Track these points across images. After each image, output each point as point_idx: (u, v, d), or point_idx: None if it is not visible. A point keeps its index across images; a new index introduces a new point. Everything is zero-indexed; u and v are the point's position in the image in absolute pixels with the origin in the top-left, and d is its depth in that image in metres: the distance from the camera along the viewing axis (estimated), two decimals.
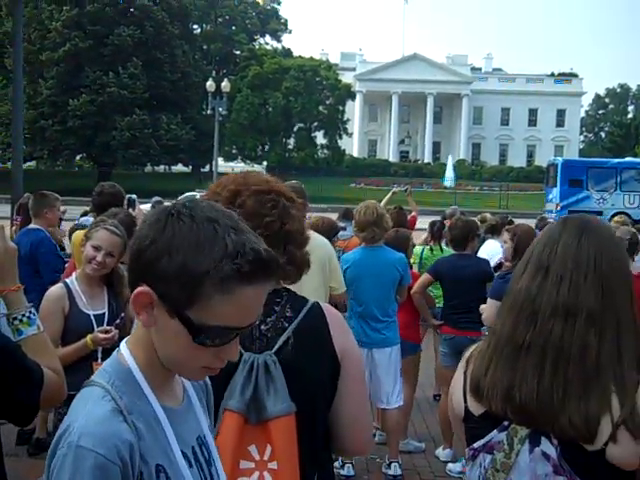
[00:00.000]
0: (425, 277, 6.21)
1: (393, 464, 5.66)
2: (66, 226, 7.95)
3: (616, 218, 11.92)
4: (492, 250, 7.81)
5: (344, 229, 8.10)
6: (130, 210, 4.90)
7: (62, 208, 9.23)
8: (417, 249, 8.17)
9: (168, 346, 1.33)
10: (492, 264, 6.81)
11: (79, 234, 4.98)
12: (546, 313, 1.74)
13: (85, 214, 7.43)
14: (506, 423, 1.77)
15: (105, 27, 48.36)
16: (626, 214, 23.60)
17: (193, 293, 1.24)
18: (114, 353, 1.43)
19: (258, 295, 1.30)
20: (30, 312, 2.16)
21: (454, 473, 5.69)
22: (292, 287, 2.10)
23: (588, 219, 1.87)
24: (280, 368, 1.89)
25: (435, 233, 8.18)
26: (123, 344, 1.43)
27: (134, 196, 5.17)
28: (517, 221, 7.91)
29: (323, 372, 1.96)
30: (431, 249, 8.08)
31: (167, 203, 1.47)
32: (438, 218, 9.31)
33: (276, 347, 1.93)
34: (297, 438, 1.85)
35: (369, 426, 2.15)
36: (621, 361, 1.70)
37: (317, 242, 4.23)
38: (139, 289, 1.29)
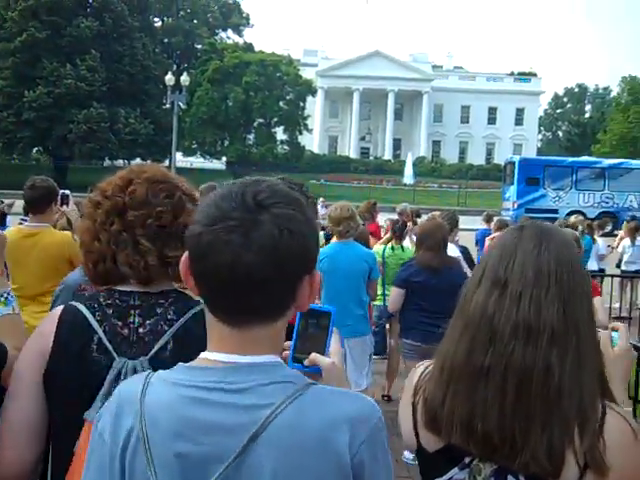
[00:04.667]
0: None
1: None
2: (14, 220, 7.73)
3: (572, 218, 12.16)
4: None
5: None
6: (64, 207, 4.73)
7: (8, 201, 9.01)
8: (379, 248, 8.21)
9: None
10: None
11: (68, 236, 4.84)
12: (505, 333, 1.56)
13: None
14: (467, 460, 1.60)
15: (63, 18, 47.37)
16: (581, 212, 24.06)
17: None
18: None
19: None
20: (8, 294, 2.22)
21: (408, 459, 5.51)
22: None
23: (546, 227, 1.70)
24: None
25: (397, 232, 8.24)
26: None
27: (67, 192, 4.99)
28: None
29: None
30: (392, 248, 8.16)
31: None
32: (396, 216, 9.34)
33: (152, 352, 1.76)
34: None
35: None
36: (582, 383, 1.54)
37: None
38: None
